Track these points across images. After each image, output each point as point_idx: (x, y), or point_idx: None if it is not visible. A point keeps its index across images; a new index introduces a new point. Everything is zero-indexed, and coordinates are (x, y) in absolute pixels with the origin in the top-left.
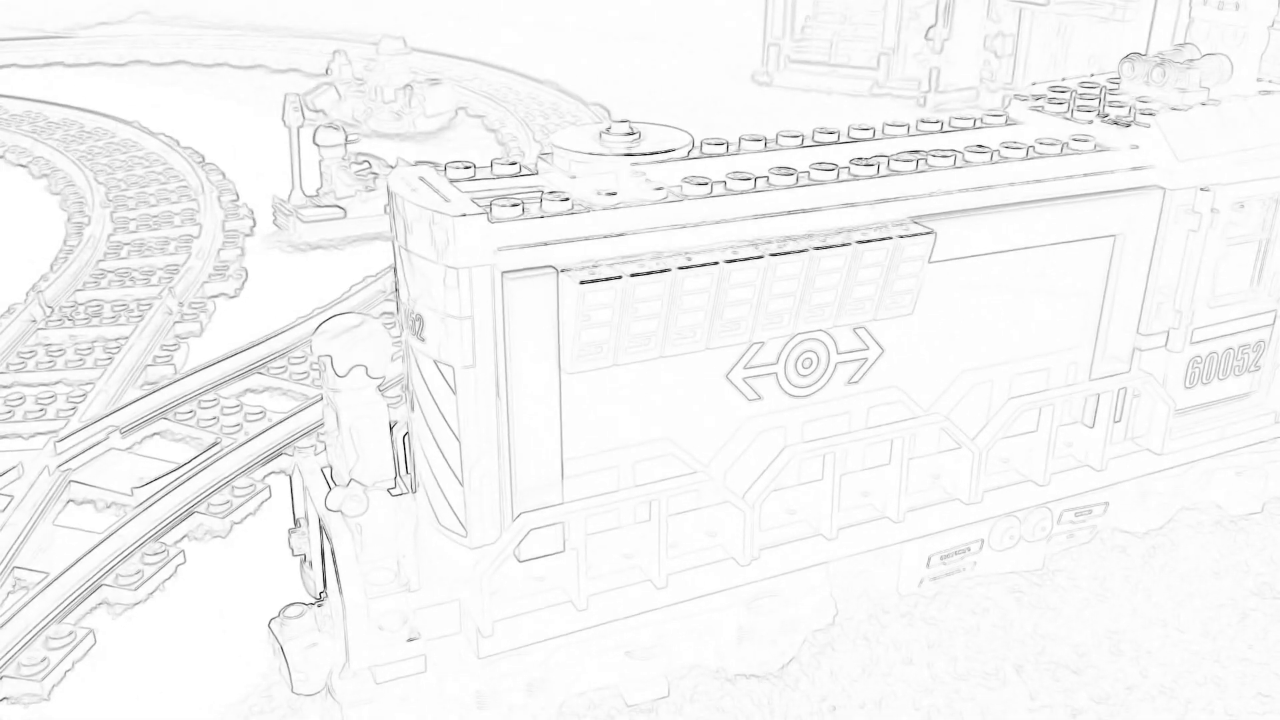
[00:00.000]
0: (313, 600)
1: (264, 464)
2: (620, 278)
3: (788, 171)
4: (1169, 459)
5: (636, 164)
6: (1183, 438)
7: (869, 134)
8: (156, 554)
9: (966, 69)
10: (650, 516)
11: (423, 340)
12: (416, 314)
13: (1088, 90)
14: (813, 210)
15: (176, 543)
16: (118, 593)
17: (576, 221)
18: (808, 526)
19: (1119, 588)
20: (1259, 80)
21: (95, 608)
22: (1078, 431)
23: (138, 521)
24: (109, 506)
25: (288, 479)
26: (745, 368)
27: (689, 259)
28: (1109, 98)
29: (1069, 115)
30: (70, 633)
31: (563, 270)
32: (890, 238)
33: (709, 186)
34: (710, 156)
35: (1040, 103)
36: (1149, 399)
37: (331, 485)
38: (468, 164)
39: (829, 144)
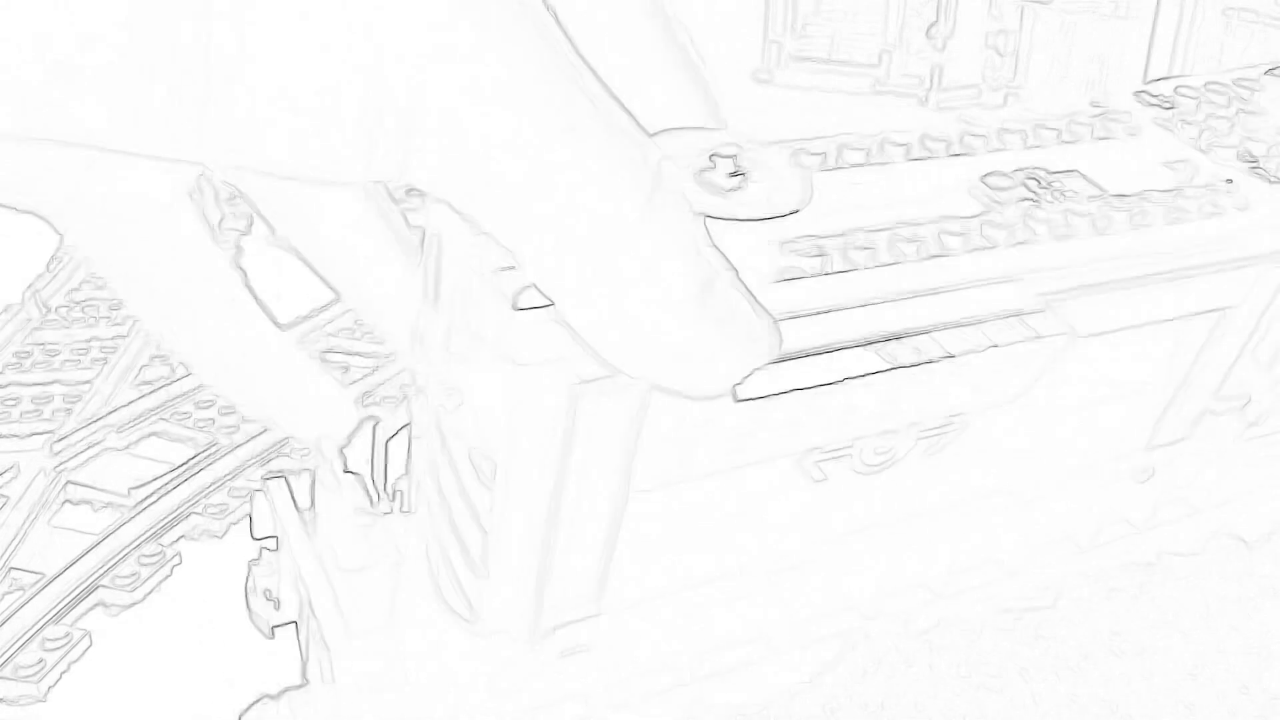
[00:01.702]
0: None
1: (261, 464)
2: None
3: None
4: None
5: None
6: None
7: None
8: (153, 555)
9: (969, 67)
10: None
11: None
12: None
13: (1216, 95)
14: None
15: (173, 543)
16: (114, 594)
17: None
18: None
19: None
20: None
21: (92, 608)
22: None
23: (135, 522)
24: (105, 507)
25: (257, 496)
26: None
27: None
28: (1245, 120)
29: (1202, 146)
30: (66, 634)
31: None
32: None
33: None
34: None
35: (1161, 107)
36: None
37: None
38: None
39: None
